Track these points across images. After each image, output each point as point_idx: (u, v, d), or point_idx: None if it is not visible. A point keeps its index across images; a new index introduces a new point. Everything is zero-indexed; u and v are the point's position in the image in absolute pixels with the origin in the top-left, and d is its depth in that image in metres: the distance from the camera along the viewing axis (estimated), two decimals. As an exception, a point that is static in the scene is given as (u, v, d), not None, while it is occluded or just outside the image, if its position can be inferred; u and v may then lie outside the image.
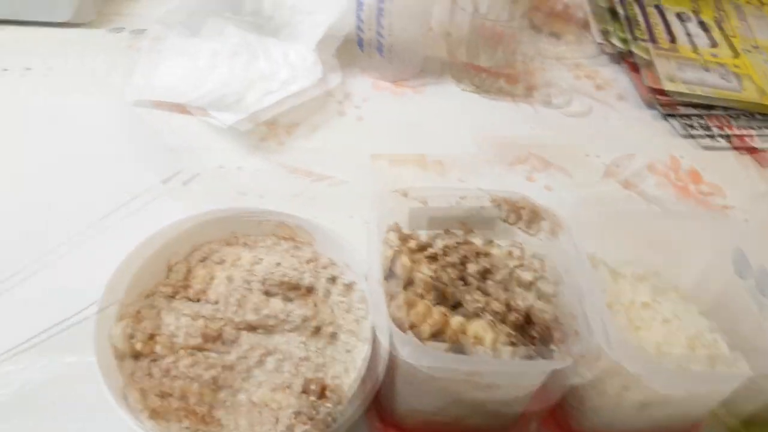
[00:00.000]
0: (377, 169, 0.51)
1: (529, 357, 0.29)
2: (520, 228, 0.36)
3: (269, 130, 0.53)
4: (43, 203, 0.46)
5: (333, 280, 0.39)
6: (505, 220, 0.36)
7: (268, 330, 0.37)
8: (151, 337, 0.36)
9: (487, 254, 0.36)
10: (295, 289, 0.38)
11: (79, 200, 0.46)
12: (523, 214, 0.36)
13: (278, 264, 0.39)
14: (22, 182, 0.47)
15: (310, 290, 0.38)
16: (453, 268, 0.35)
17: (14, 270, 0.42)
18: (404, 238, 0.37)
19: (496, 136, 0.55)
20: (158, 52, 0.57)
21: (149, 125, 0.52)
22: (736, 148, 0.59)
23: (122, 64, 0.56)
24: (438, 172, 0.50)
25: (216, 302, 0.37)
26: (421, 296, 0.34)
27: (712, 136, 0.59)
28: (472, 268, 0.35)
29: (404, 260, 0.34)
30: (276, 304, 0.37)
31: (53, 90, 0.54)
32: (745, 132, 0.60)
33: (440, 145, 0.53)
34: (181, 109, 0.53)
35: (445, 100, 0.58)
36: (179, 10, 0.59)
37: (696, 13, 0.70)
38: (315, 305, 0.37)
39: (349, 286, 0.38)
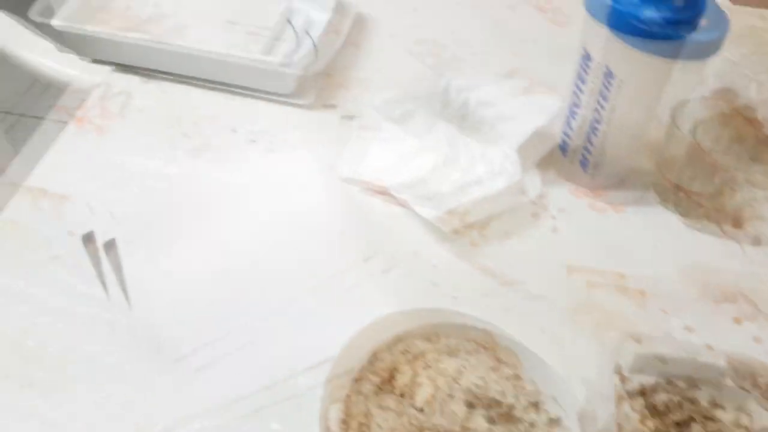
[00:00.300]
0: (572, 282, 0.50)
1: None
2: (755, 397, 0.34)
3: (463, 224, 0.54)
4: (250, 268, 0.50)
5: (537, 409, 0.39)
6: (741, 387, 0.34)
7: (469, 445, 0.37)
8: (360, 426, 0.38)
9: (712, 418, 0.34)
10: (497, 407, 0.39)
11: (285, 268, 0.50)
12: (761, 384, 0.34)
13: (482, 377, 0.40)
14: (231, 242, 0.52)
15: (512, 412, 0.38)
16: (675, 425, 0.34)
17: (217, 337, 0.45)
18: (623, 380, 0.36)
19: (701, 268, 0.52)
20: (369, 135, 0.62)
21: (354, 202, 0.57)
22: None
23: (335, 142, 0.61)
24: (638, 300, 0.49)
25: (418, 405, 0.39)
26: (642, 452, 0.33)
27: None
28: (697, 430, 0.33)
29: (628, 410, 0.33)
30: (479, 421, 0.38)
31: (271, 155, 0.60)
32: None
33: (639, 268, 0.52)
34: (384, 191, 0.57)
35: (648, 221, 0.56)
36: (393, 99, 0.64)
37: None
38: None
39: (555, 421, 0.38)
